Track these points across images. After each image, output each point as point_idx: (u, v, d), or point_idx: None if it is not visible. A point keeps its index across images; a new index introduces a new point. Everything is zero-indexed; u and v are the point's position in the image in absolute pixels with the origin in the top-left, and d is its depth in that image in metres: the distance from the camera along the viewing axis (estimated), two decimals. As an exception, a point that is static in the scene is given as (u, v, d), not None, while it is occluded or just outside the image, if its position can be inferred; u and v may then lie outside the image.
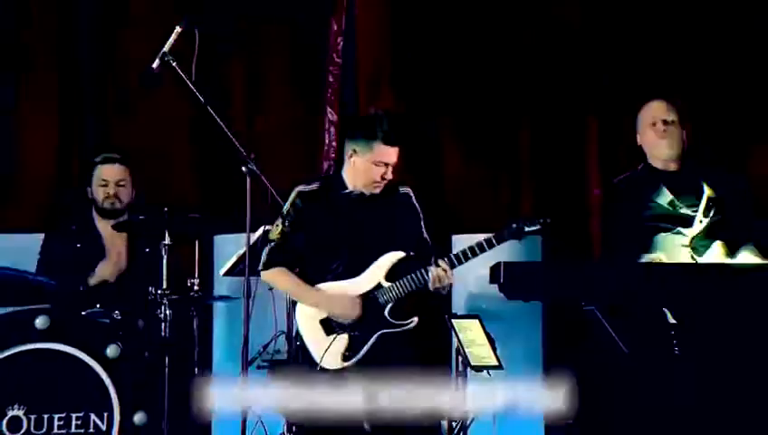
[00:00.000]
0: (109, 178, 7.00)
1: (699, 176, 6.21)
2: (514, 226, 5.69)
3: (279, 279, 5.79)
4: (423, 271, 5.63)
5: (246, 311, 5.86)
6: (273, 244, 5.79)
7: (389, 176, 5.74)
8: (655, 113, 6.22)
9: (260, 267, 5.80)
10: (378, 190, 5.77)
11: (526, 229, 5.70)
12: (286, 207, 5.80)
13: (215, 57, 7.39)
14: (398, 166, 5.76)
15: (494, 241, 5.65)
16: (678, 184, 6.19)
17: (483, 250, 5.65)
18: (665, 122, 6.18)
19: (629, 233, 6.16)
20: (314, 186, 5.82)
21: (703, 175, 6.23)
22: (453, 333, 6.14)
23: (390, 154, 5.71)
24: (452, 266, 5.65)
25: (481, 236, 5.75)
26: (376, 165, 5.70)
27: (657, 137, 6.19)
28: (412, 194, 5.88)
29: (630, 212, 6.19)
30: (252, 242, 5.91)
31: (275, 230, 5.79)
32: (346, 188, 5.78)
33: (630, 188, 6.26)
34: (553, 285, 6.05)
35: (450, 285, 5.70)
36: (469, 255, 5.66)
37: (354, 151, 5.74)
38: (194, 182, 7.86)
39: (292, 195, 5.81)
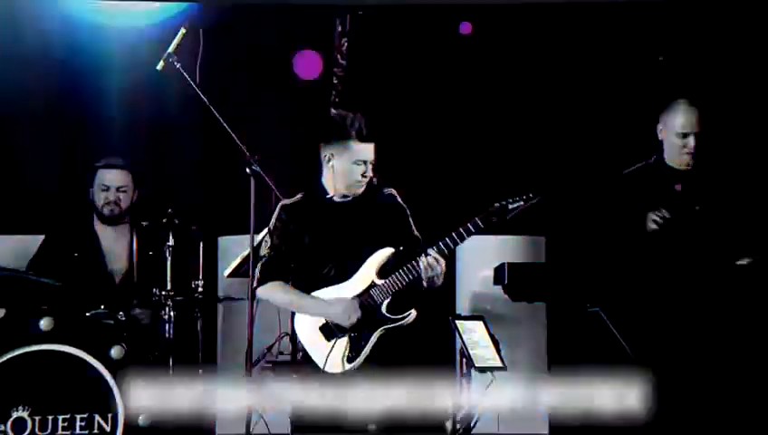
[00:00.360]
0: (110, 183, 6.98)
1: (706, 174, 6.24)
2: (497, 205, 5.59)
3: (275, 293, 5.74)
4: (414, 262, 5.59)
5: (250, 312, 5.86)
6: (264, 259, 5.74)
7: (370, 173, 5.70)
8: (686, 124, 6.22)
9: (254, 285, 5.75)
10: (361, 190, 5.74)
11: (510, 207, 5.54)
12: (272, 222, 5.76)
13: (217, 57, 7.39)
14: (376, 163, 5.70)
15: (479, 223, 5.52)
16: (689, 182, 6.21)
17: (470, 234, 5.56)
18: (696, 136, 6.19)
19: (637, 225, 6.17)
20: (297, 198, 5.80)
21: (708, 173, 6.25)
22: (457, 335, 6.15)
23: (367, 150, 5.67)
24: (441, 254, 5.60)
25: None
26: (355, 164, 5.67)
27: (686, 152, 6.21)
28: (396, 194, 5.84)
29: (639, 204, 6.19)
30: (256, 244, 5.90)
31: (264, 246, 5.76)
32: (328, 194, 5.76)
33: (641, 180, 6.26)
34: (557, 286, 6.06)
35: (443, 273, 5.64)
36: (457, 240, 5.58)
37: (331, 155, 5.69)
38: (197, 184, 7.86)
39: (276, 210, 5.77)
